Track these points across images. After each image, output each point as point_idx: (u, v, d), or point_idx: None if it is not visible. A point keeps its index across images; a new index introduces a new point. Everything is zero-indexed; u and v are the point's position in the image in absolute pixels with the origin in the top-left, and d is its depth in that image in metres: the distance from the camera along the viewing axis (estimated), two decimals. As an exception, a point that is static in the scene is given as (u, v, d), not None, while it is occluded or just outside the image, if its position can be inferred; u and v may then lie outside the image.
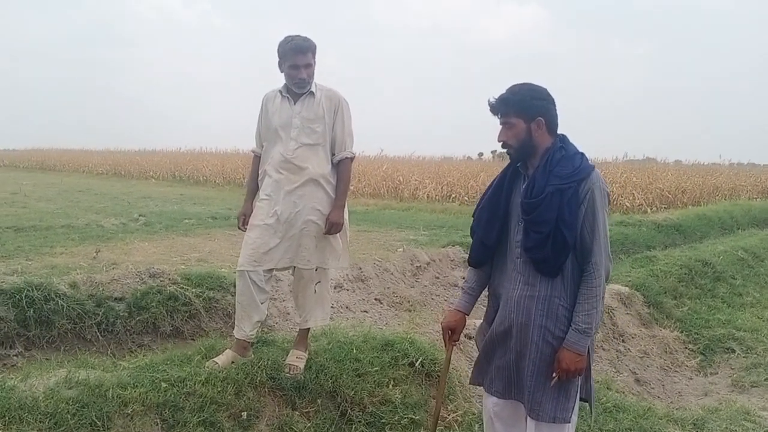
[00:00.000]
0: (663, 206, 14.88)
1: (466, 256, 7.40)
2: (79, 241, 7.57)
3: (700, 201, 16.32)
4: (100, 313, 4.14)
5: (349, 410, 3.42)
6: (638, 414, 3.89)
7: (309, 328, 3.57)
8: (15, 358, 3.73)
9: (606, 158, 20.96)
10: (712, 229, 11.32)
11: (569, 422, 2.39)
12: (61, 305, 3.99)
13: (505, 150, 2.46)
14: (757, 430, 3.77)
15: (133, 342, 4.23)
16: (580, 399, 2.49)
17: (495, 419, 2.58)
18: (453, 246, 7.66)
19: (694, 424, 3.84)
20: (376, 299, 6.12)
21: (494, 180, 2.58)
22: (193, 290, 4.66)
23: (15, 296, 3.86)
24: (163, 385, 2.91)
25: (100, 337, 4.09)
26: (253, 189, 3.57)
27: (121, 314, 4.24)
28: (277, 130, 3.38)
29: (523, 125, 2.35)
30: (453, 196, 16.12)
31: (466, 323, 2.70)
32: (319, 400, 3.34)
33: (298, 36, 3.30)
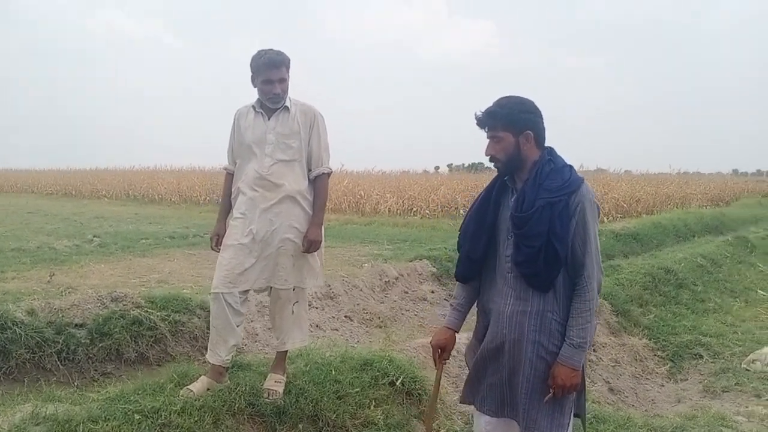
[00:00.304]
0: (619, 215, 15.24)
1: (434, 269, 7.46)
2: (31, 264, 7.29)
3: (653, 210, 16.78)
4: (60, 340, 3.93)
5: (331, 433, 3.30)
6: (618, 424, 3.88)
7: (287, 351, 3.44)
8: (-31, 392, 3.49)
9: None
10: (668, 237, 11.62)
11: None
12: (19, 334, 3.77)
13: (492, 164, 2.41)
14: (735, 436, 3.80)
15: (96, 370, 4.02)
16: (573, 415, 2.44)
17: None
18: (420, 260, 7.63)
19: (674, 432, 3.85)
20: (346, 316, 6.02)
21: (481, 193, 2.53)
22: (158, 314, 4.48)
23: (-32, 326, 3.63)
24: (137, 417, 2.73)
25: (60, 366, 3.88)
26: (227, 207, 3.44)
27: (83, 341, 4.03)
28: (251, 146, 3.27)
29: (512, 139, 2.30)
30: (414, 209, 16.15)
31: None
32: (300, 425, 3.20)
33: (271, 50, 3.21)
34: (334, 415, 3.32)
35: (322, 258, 3.44)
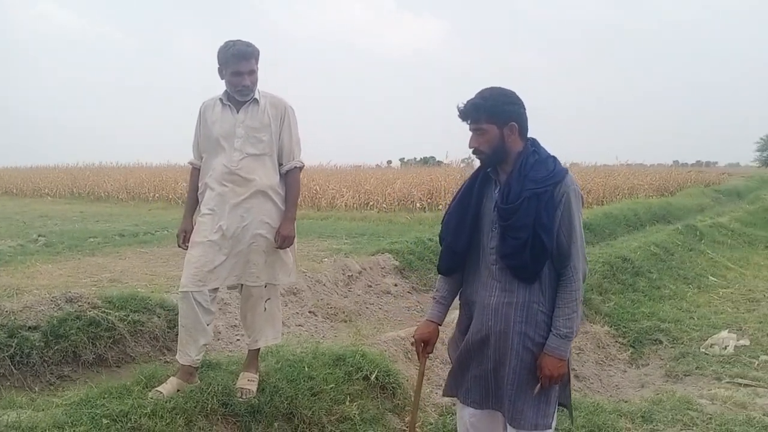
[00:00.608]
0: (571, 206, 15.52)
1: (397, 263, 7.42)
2: (-27, 266, 6.91)
3: (603, 200, 17.18)
4: (13, 344, 3.70)
5: (307, 431, 3.21)
6: (589, 410, 3.93)
7: (259, 349, 3.33)
8: None
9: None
10: (619, 227, 11.89)
11: (550, 428, 2.33)
12: (-32, 338, 3.54)
13: (476, 156, 2.38)
14: (701, 418, 3.88)
15: (53, 374, 3.81)
16: (559, 404, 2.43)
17: (471, 430, 2.50)
18: (383, 253, 7.58)
19: (643, 417, 3.92)
20: (310, 312, 5.92)
21: (463, 185, 2.50)
22: (116, 314, 4.28)
23: None
24: (105, 421, 2.59)
25: (14, 370, 3.65)
26: (193, 203, 3.30)
27: (37, 344, 3.81)
28: (218, 140, 3.14)
29: (496, 131, 2.28)
30: (371, 203, 16.10)
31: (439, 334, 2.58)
32: (275, 423, 3.11)
33: (240, 41, 3.09)
34: (310, 412, 3.24)
35: (294, 254, 3.35)
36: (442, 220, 2.51)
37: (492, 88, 2.32)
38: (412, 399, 2.79)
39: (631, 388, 4.95)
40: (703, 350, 5.38)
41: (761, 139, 69.46)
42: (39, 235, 10.27)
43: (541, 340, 2.27)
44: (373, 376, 3.68)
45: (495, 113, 2.27)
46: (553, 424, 2.36)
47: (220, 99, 3.20)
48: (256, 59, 3.12)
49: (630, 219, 12.60)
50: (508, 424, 2.35)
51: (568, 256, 2.24)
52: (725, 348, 5.33)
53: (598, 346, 5.73)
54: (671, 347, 5.64)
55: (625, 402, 4.38)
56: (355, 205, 15.99)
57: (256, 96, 3.16)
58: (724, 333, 5.61)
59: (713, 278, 8.34)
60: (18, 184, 25.47)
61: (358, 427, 3.34)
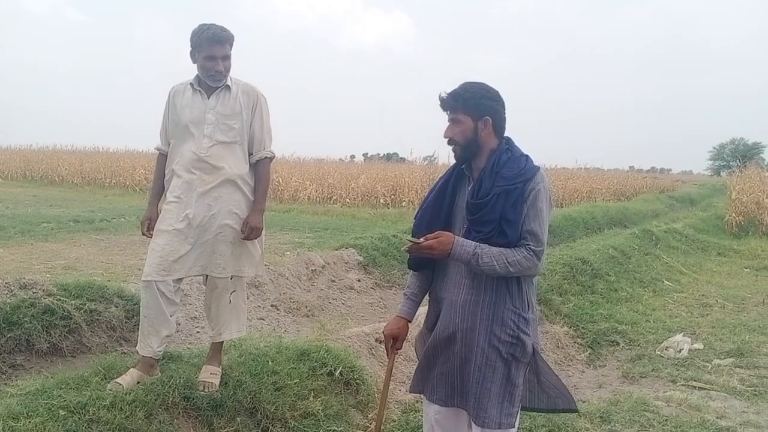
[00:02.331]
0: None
1: (360, 258, 7.39)
2: None
3: (562, 203, 17.48)
4: (-37, 331, 3.55)
5: (271, 426, 3.15)
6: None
7: (223, 342, 3.26)
8: None
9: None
10: (578, 229, 12.12)
11: (513, 427, 2.34)
12: None
13: (450, 146, 2.39)
14: (657, 420, 3.96)
15: (4, 362, 3.67)
16: (563, 410, 2.52)
17: (436, 427, 2.49)
18: (347, 248, 7.54)
19: (601, 417, 3.98)
20: (272, 305, 5.85)
21: (438, 181, 2.51)
22: (72, 302, 4.15)
23: None
24: (62, 413, 2.49)
25: (-37, 358, 3.50)
26: (159, 190, 3.21)
27: (-12, 332, 3.66)
28: (187, 126, 3.06)
29: (471, 123, 2.31)
30: (334, 197, 16.03)
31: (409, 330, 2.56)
32: (238, 419, 3.04)
33: (215, 25, 3.01)
34: (273, 407, 3.19)
35: (262, 246, 3.29)
36: (415, 215, 2.51)
37: (475, 82, 2.36)
38: (380, 395, 2.77)
39: (589, 389, 5.03)
40: (659, 353, 5.50)
41: (714, 148, 71.80)
42: (-12, 219, 9.90)
43: (507, 339, 2.27)
44: (338, 371, 3.64)
45: (471, 105, 2.30)
46: (516, 424, 2.36)
47: (191, 84, 3.11)
48: (231, 45, 3.04)
49: (588, 222, 12.85)
50: (472, 422, 2.35)
51: (529, 238, 2.20)
52: (680, 351, 5.45)
53: (558, 346, 5.81)
54: (628, 349, 5.75)
55: (584, 402, 4.44)
56: (318, 199, 15.90)
57: (228, 83, 3.09)
58: (679, 336, 5.75)
59: (668, 282, 8.55)
60: (-34, 165, 24.55)
61: (321, 422, 3.30)
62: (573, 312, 6.46)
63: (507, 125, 2.39)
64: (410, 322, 2.53)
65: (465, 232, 2.29)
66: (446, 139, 2.37)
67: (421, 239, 2.26)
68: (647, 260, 9.35)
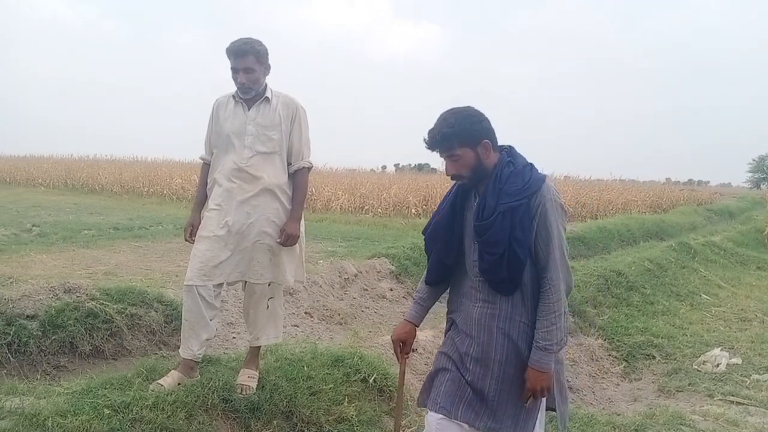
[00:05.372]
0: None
1: (393, 267, 7.42)
2: (-33, 254, 6.86)
3: (597, 214, 17.26)
4: (11, 332, 3.69)
5: (306, 430, 3.21)
6: (583, 422, 3.94)
7: (260, 346, 3.33)
8: None
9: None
10: (612, 241, 11.96)
11: None
12: (-34, 324, 3.52)
13: (457, 181, 2.34)
14: (693, 433, 3.91)
15: (49, 363, 3.80)
16: (547, 408, 2.39)
17: None
18: (379, 257, 7.58)
19: (636, 430, 3.94)
20: (306, 313, 5.92)
21: (446, 198, 2.45)
22: (114, 306, 4.28)
23: None
24: (107, 411, 2.59)
25: (11, 358, 3.64)
26: (202, 198, 3.31)
27: (35, 333, 3.80)
28: (229, 136, 3.15)
29: (471, 153, 2.23)
30: (366, 207, 16.09)
31: (416, 335, 2.56)
32: (275, 421, 3.11)
33: (242, 39, 3.09)
34: (308, 411, 3.25)
35: (303, 254, 3.35)
36: (424, 231, 2.47)
37: (454, 112, 2.26)
38: (396, 399, 2.78)
39: (624, 402, 4.98)
40: (696, 367, 5.41)
41: (753, 160, 70.08)
42: (33, 225, 10.21)
43: (525, 352, 2.23)
44: (372, 378, 3.68)
45: (466, 137, 2.21)
46: None
47: (233, 96, 3.21)
48: (257, 57, 3.08)
49: (623, 234, 12.67)
50: None
51: (545, 268, 2.19)
52: (717, 366, 5.36)
53: (592, 359, 5.76)
54: (664, 363, 5.67)
55: (618, 415, 4.40)
56: (350, 209, 15.98)
57: (268, 95, 3.17)
58: (717, 351, 5.65)
59: (706, 296, 8.39)
60: (11, 173, 25.30)
61: (355, 428, 3.34)
62: (608, 324, 6.40)
63: (534, 137, 2.32)
64: (417, 326, 2.50)
65: (478, 255, 2.24)
66: (450, 176, 2.28)
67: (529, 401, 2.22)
68: (684, 273, 9.19)
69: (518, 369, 2.24)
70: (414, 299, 2.54)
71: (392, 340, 2.50)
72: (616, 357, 5.85)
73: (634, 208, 19.47)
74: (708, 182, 63.63)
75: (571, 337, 6.02)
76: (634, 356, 5.85)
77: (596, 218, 16.22)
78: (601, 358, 5.79)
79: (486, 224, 2.18)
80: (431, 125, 2.28)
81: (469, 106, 2.27)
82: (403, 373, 2.58)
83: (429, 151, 2.29)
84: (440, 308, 2.68)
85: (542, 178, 2.21)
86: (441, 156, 2.27)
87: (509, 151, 2.30)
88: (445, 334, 2.50)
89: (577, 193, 18.13)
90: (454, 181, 2.35)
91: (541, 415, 2.36)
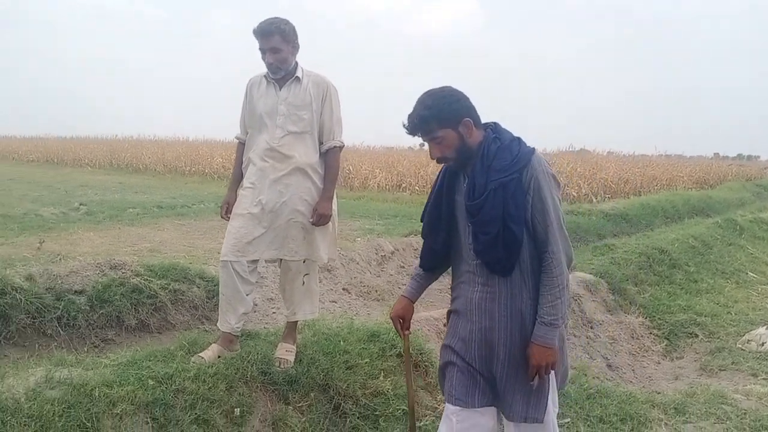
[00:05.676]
0: (607, 196, 15.31)
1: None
2: (19, 231, 7.15)
3: (640, 191, 16.90)
4: (60, 306, 3.84)
5: (342, 403, 3.28)
6: (621, 399, 3.90)
7: (297, 321, 3.40)
8: (-31, 355, 3.40)
9: (545, 149, 21.35)
10: (656, 218, 11.71)
11: (541, 422, 2.22)
12: (19, 299, 3.68)
13: (443, 163, 2.27)
14: (735, 413, 3.83)
15: (97, 336, 3.95)
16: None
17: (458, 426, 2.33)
18: (416, 235, 7.60)
19: (675, 409, 3.88)
20: (344, 289, 5.99)
21: (435, 182, 2.40)
22: (158, 282, 4.41)
23: (-33, 290, 3.53)
24: (151, 382, 2.69)
25: (61, 331, 3.80)
26: (237, 177, 3.37)
27: (83, 308, 3.95)
28: (262, 116, 3.19)
29: (453, 134, 2.16)
30: (404, 185, 16.08)
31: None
32: (312, 394, 3.18)
33: (268, 19, 3.09)
34: (345, 385, 3.31)
35: (335, 231, 3.39)
36: (421, 217, 2.42)
37: (430, 93, 2.20)
38: (405, 378, 2.77)
39: (665, 380, 4.92)
40: (740, 346, 5.30)
41: (808, 134, 67.36)
42: (80, 204, 10.53)
43: (526, 333, 2.19)
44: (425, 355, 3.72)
45: (445, 117, 2.15)
46: (549, 417, 2.24)
47: (265, 76, 3.23)
48: (283, 36, 3.08)
49: (668, 211, 12.39)
50: (503, 416, 2.28)
51: (545, 242, 2.13)
52: (762, 344, 5.23)
53: (632, 337, 5.70)
54: (707, 341, 5.57)
55: (658, 393, 4.35)
56: (387, 187, 15.99)
57: (299, 74, 3.18)
58: (762, 329, 5.51)
59: (752, 274, 8.17)
60: (59, 154, 26.10)
61: (391, 401, 3.39)
62: (649, 302, 6.31)
63: (577, 113, 2.23)
64: (413, 302, 2.48)
65: (472, 237, 2.18)
66: (435, 159, 2.22)
67: (535, 381, 2.18)
68: (730, 251, 8.95)
69: (524, 350, 2.19)
70: (411, 276, 2.51)
71: (391, 318, 2.48)
72: (657, 335, 5.78)
73: (680, 184, 18.97)
74: (758, 157, 61.42)
75: (611, 315, 5.96)
76: (675, 334, 5.76)
77: (639, 195, 15.87)
78: (642, 336, 5.72)
79: (478, 203, 2.12)
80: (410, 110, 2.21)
81: (446, 86, 2.21)
82: (407, 350, 2.57)
83: (411, 137, 2.22)
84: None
85: (531, 151, 2.15)
86: (423, 140, 2.22)
87: (494, 127, 2.23)
88: (447, 324, 2.43)
89: (620, 169, 17.75)
90: (439, 163, 2.26)
91: (554, 394, 2.29)
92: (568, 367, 2.42)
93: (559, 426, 2.35)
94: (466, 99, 2.19)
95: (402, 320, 2.44)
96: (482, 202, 2.10)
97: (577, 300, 5.80)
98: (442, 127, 2.15)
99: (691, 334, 5.74)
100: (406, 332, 2.48)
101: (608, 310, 5.98)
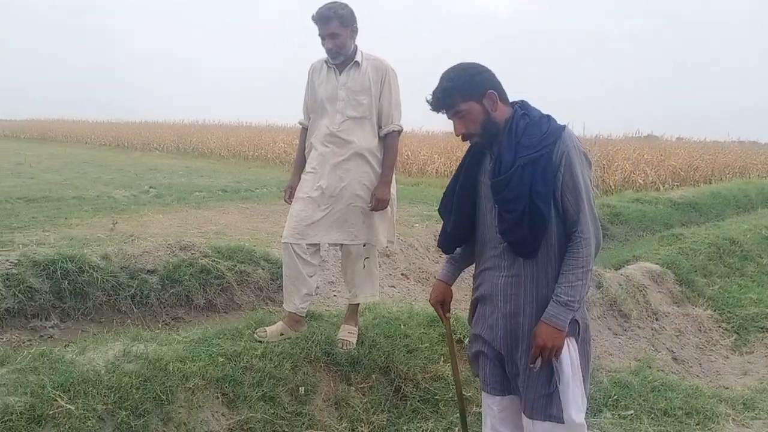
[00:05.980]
0: (675, 183, 14.77)
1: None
2: (93, 212, 7.47)
3: (711, 179, 16.23)
4: (134, 285, 4.04)
5: (403, 386, 3.34)
6: (687, 393, 3.82)
7: (358, 304, 3.46)
8: (51, 329, 3.63)
9: (610, 134, 20.70)
10: (728, 207, 11.27)
11: (562, 422, 2.09)
12: (96, 277, 3.89)
13: (468, 140, 2.17)
14: (809, 411, 3.69)
15: (167, 314, 4.14)
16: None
17: (499, 416, 2.29)
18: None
19: (744, 404, 3.77)
20: (402, 275, 6.03)
21: (461, 162, 2.31)
22: (225, 263, 4.56)
23: (49, 268, 3.75)
24: (221, 359, 2.82)
25: (134, 309, 3.99)
26: (300, 162, 3.43)
27: (155, 287, 4.14)
28: (323, 101, 3.24)
29: (477, 107, 2.08)
30: (463, 171, 15.93)
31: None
32: (373, 376, 3.25)
33: (325, 4, 3.11)
34: (405, 368, 3.36)
35: (394, 215, 3.42)
36: (441, 200, 2.34)
37: (454, 68, 2.13)
38: (450, 360, 2.77)
39: (733, 375, 4.76)
40: (815, 342, 5.07)
41: None
42: (150, 187, 10.93)
43: None
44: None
45: (469, 90, 2.08)
46: (573, 418, 2.08)
47: (326, 61, 3.27)
48: (341, 21, 3.08)
49: (740, 200, 11.90)
50: (522, 413, 2.17)
51: (575, 222, 2.04)
52: (840, 341, 5.00)
53: (700, 330, 5.53)
54: (779, 336, 5.35)
55: (726, 388, 4.23)
56: (446, 172, 15.87)
57: (358, 58, 3.20)
58: (840, 325, 5.26)
59: (830, 268, 7.76)
60: (129, 138, 27.14)
61: (450, 386, 3.41)
62: (718, 295, 6.09)
63: (638, 98, 2.11)
64: (450, 285, 2.42)
65: (498, 218, 2.09)
66: (460, 136, 2.13)
67: (537, 363, 2.07)
68: (808, 243, 8.51)
69: None
70: (446, 259, 2.46)
71: (431, 304, 2.44)
72: (726, 329, 5.58)
73: (754, 172, 18.09)
74: (841, 144, 57.81)
75: (678, 306, 5.79)
76: (746, 329, 5.55)
77: (710, 183, 15.26)
78: (710, 329, 5.54)
79: (503, 179, 2.03)
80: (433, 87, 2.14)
81: (470, 62, 2.14)
82: (450, 335, 2.55)
83: (435, 114, 2.14)
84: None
85: (562, 127, 2.06)
86: (448, 116, 2.14)
87: (522, 104, 2.15)
88: (471, 311, 2.39)
89: (689, 156, 17.06)
90: (465, 140, 2.17)
91: (579, 390, 2.14)
92: (591, 362, 2.28)
93: (621, 419, 2.27)
94: (489, 72, 2.12)
95: (442, 305, 2.42)
96: (509, 177, 2.01)
97: (642, 291, 5.66)
98: (466, 100, 2.08)
99: (762, 328, 5.52)
100: (448, 315, 2.46)
101: (675, 302, 5.81)
